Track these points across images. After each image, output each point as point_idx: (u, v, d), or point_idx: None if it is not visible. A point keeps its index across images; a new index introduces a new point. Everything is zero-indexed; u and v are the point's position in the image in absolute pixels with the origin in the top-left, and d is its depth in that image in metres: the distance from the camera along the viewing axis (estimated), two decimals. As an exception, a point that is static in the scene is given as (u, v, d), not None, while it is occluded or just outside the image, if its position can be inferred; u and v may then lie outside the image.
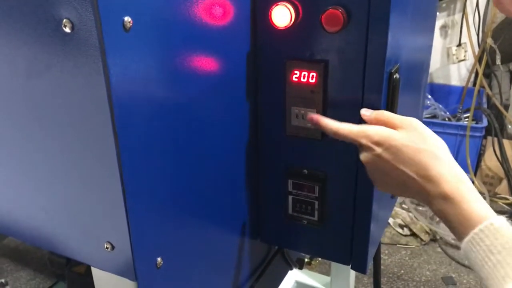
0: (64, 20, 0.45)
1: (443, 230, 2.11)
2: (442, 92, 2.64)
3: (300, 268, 1.13)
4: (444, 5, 2.53)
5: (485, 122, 2.38)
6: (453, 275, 1.95)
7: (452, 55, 2.59)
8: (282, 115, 0.74)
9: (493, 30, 2.28)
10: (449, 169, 0.57)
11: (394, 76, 0.67)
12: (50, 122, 0.53)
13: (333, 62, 0.68)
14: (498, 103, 2.39)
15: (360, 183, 0.73)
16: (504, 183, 2.38)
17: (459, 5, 2.53)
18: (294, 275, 1.47)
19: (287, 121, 0.74)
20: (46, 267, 1.90)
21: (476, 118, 2.51)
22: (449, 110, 2.55)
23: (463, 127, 2.36)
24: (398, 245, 2.13)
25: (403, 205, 2.30)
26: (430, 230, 2.17)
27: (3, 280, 1.84)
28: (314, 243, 0.83)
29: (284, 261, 1.04)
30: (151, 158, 0.54)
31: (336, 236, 0.79)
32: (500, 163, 2.34)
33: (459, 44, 2.56)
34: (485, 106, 2.49)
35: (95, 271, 0.63)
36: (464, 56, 2.58)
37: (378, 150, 0.59)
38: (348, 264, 0.81)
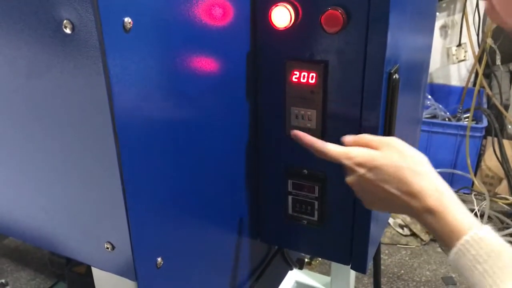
0: (65, 21, 0.45)
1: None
2: (442, 92, 2.64)
3: (300, 268, 1.13)
4: (444, 5, 2.53)
5: (485, 122, 2.38)
6: (453, 275, 1.94)
7: (452, 55, 2.59)
8: (282, 115, 0.74)
9: (493, 30, 2.28)
10: (429, 183, 0.58)
11: (394, 77, 0.67)
12: (51, 122, 0.53)
13: (333, 62, 0.68)
14: (498, 103, 2.39)
15: (360, 183, 0.73)
16: (504, 183, 2.38)
17: (459, 5, 2.53)
18: (294, 275, 1.47)
19: (287, 121, 0.74)
20: (46, 267, 1.90)
21: (476, 118, 2.51)
22: (449, 110, 2.55)
23: (463, 127, 2.36)
24: (398, 245, 2.13)
25: (403, 205, 2.30)
26: (430, 230, 2.16)
27: (3, 280, 1.84)
28: (314, 243, 0.83)
29: (284, 261, 1.04)
30: (151, 158, 0.54)
31: (336, 236, 0.79)
32: (500, 163, 2.34)
33: (459, 44, 2.56)
34: (485, 106, 2.49)
35: (95, 271, 0.63)
36: (464, 56, 2.58)
37: (361, 171, 0.61)
38: (348, 264, 0.81)
